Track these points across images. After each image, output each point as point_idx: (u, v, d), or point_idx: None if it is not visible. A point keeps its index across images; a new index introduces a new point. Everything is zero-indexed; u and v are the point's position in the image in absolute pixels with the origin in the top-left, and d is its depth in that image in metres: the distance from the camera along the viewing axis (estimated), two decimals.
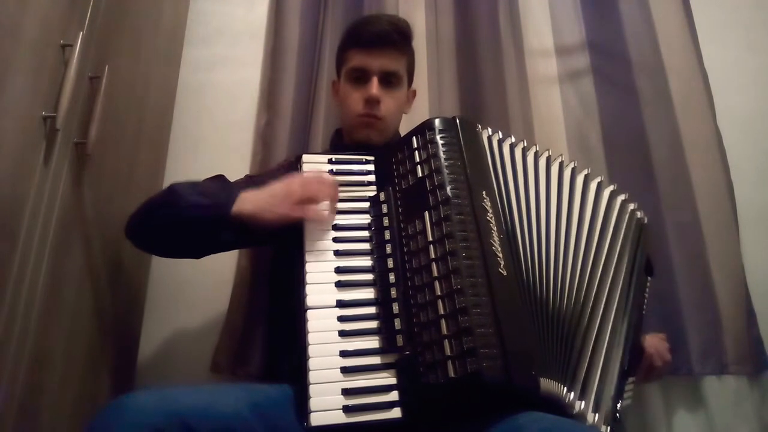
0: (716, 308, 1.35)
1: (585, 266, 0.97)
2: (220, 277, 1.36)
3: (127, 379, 1.25)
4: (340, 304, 0.86)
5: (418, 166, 0.94)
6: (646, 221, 1.14)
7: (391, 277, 0.88)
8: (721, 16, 1.68)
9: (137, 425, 0.68)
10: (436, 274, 0.83)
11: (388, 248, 0.91)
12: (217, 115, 1.52)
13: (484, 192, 0.92)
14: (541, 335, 0.87)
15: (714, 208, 1.43)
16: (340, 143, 1.21)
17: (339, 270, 0.89)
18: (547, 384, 0.81)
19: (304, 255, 0.90)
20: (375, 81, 1.12)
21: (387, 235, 0.92)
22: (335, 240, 0.92)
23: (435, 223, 0.88)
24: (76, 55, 0.86)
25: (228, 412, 0.75)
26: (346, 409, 0.77)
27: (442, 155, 0.93)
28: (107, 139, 1.02)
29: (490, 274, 0.83)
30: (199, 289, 1.37)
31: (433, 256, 0.85)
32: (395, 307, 0.85)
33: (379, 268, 0.90)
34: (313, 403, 0.77)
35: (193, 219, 0.93)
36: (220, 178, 1.11)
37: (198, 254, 1.07)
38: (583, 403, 0.86)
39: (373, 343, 0.84)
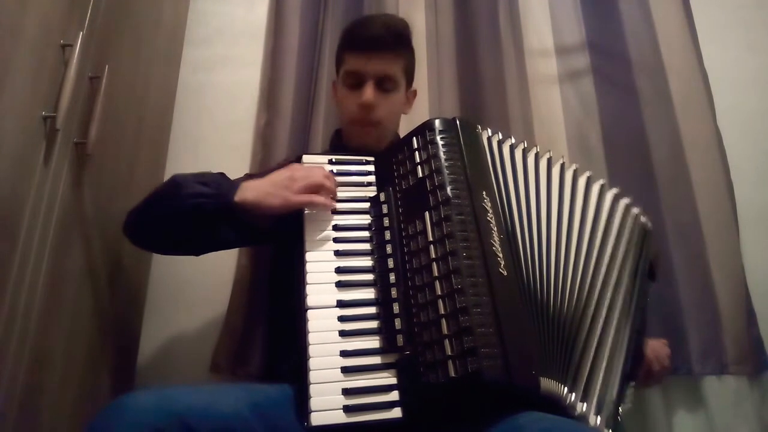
0: (716, 308, 1.35)
1: (587, 268, 0.97)
2: (220, 277, 1.36)
3: (127, 379, 1.25)
4: (341, 304, 0.86)
5: (419, 166, 0.94)
6: (650, 226, 1.13)
7: (392, 277, 0.88)
8: (721, 16, 1.68)
9: (137, 425, 0.68)
10: (436, 273, 0.83)
11: (389, 248, 0.91)
12: (217, 115, 1.53)
13: (484, 192, 0.92)
14: (542, 335, 0.87)
15: (714, 208, 1.43)
16: (340, 144, 1.21)
17: (339, 270, 0.89)
18: (548, 384, 0.81)
19: (304, 255, 0.90)
20: (369, 86, 1.10)
21: (387, 235, 0.92)
22: (335, 240, 0.92)
23: (435, 223, 0.88)
24: (76, 55, 0.86)
25: (228, 412, 0.75)
26: (347, 409, 0.77)
27: (442, 156, 0.93)
28: (107, 139, 1.03)
29: (491, 274, 0.83)
30: (199, 289, 1.37)
31: (433, 256, 0.85)
32: (395, 307, 0.85)
33: (379, 268, 0.90)
34: (314, 402, 0.77)
35: (196, 207, 0.92)
36: (220, 175, 1.11)
37: (198, 250, 1.05)
38: (585, 404, 0.86)
39: (373, 343, 0.84)
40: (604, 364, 0.92)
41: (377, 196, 0.97)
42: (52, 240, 0.86)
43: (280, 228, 0.99)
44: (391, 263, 0.89)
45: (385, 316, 0.85)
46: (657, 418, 1.36)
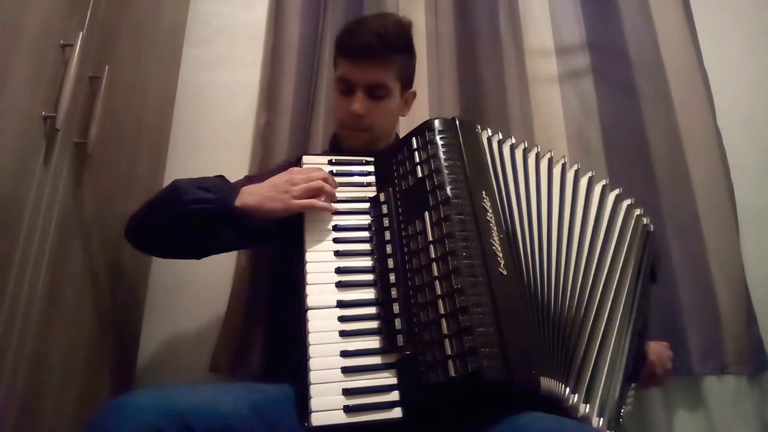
0: (716, 308, 1.35)
1: (588, 268, 0.97)
2: (219, 277, 1.36)
3: (127, 379, 1.25)
4: (341, 304, 0.86)
5: (418, 166, 0.94)
6: (652, 228, 1.13)
7: (392, 277, 0.88)
8: (721, 16, 1.68)
9: (137, 425, 0.68)
10: (436, 273, 0.83)
11: (389, 248, 0.91)
12: (217, 115, 1.52)
13: (483, 192, 0.92)
14: (542, 335, 0.87)
15: (714, 208, 1.43)
16: (338, 145, 1.21)
17: (339, 270, 0.89)
18: (549, 384, 0.81)
19: (304, 255, 0.90)
20: (358, 96, 1.08)
21: (387, 235, 0.92)
22: (335, 240, 0.92)
23: (435, 223, 0.88)
24: (76, 55, 0.86)
25: (228, 412, 0.75)
26: (347, 409, 0.77)
27: (441, 156, 0.93)
28: (107, 139, 1.02)
29: (491, 273, 0.83)
30: (198, 289, 1.37)
31: (433, 256, 0.85)
32: (396, 307, 0.85)
33: (379, 269, 0.90)
34: (314, 403, 0.77)
35: (198, 213, 0.93)
36: (220, 179, 1.11)
37: (199, 253, 1.06)
38: (588, 406, 0.86)
39: (373, 343, 0.84)
40: (606, 365, 0.91)
41: (377, 197, 0.97)
42: (52, 240, 0.86)
43: (280, 229, 0.99)
44: (391, 263, 0.89)
45: (385, 316, 0.86)
46: (657, 418, 1.36)
